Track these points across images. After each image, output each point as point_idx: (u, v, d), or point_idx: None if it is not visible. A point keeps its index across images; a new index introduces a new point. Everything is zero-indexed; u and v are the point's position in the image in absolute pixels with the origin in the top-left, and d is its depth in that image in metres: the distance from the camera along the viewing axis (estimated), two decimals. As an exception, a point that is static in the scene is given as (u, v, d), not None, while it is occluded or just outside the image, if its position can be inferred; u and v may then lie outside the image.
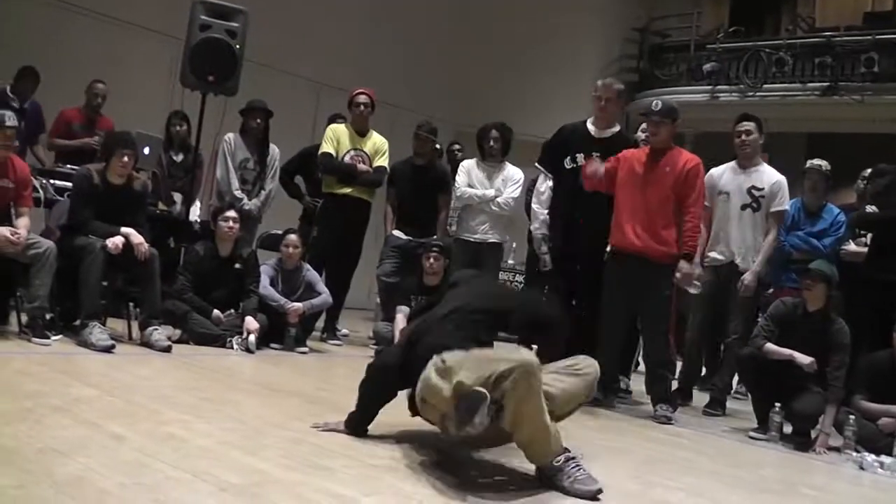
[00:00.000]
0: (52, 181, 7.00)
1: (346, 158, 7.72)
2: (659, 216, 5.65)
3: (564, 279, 6.27)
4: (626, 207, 5.77)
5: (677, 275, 5.65)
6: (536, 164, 6.61)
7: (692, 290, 6.14)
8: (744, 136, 6.41)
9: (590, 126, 6.34)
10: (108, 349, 5.55)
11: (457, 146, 9.38)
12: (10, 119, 5.75)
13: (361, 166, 7.70)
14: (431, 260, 7.10)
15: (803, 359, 5.30)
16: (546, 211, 6.41)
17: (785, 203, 6.37)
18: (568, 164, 6.28)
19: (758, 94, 13.64)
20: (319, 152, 7.80)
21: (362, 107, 7.80)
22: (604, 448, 4.48)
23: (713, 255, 6.41)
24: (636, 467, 4.12)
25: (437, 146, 8.41)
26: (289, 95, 10.24)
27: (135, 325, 6.23)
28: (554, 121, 6.82)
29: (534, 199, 6.56)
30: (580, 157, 6.21)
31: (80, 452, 3.12)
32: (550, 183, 6.41)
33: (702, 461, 4.55)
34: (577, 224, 6.17)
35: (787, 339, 5.46)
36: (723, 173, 6.49)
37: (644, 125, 6.45)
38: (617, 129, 6.36)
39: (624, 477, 3.82)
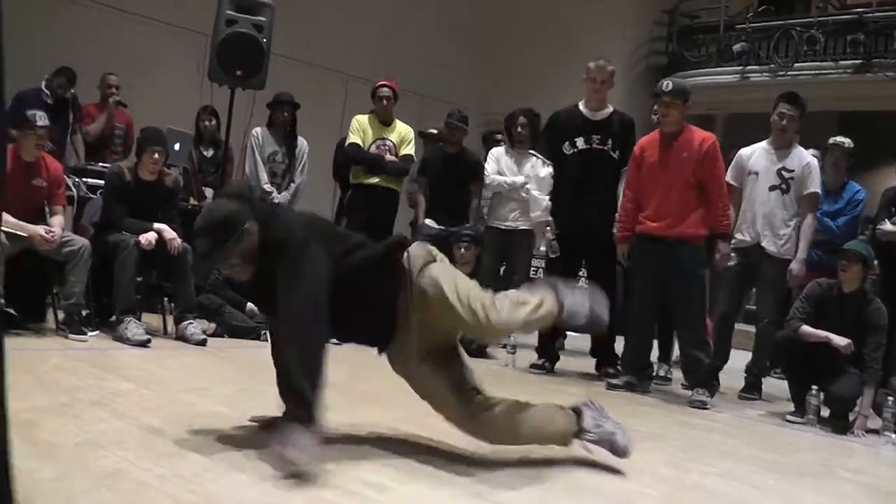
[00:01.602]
0: (84, 179, 7.06)
1: (373, 148, 7.73)
2: (683, 199, 5.62)
3: (571, 264, 6.32)
4: (648, 193, 5.74)
5: (716, 255, 5.61)
6: (531, 152, 6.65)
7: (730, 263, 6.05)
8: (785, 121, 6.25)
9: (583, 109, 6.39)
10: (143, 344, 5.59)
11: (498, 136, 9.33)
12: (42, 119, 5.80)
13: (388, 156, 7.70)
14: (463, 249, 7.09)
15: (840, 340, 5.24)
16: (548, 197, 6.46)
17: (816, 185, 6.23)
18: (567, 149, 6.33)
19: (789, 73, 13.48)
20: (346, 143, 7.82)
21: (385, 99, 7.80)
22: (640, 433, 4.45)
23: (739, 236, 6.30)
24: (672, 452, 4.10)
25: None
26: (316, 88, 10.26)
27: (170, 320, 6.28)
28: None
29: (533, 186, 6.60)
30: (580, 141, 6.27)
31: (117, 445, 3.15)
32: (550, 170, 6.47)
33: (738, 446, 4.52)
34: (580, 207, 6.20)
35: (822, 320, 5.41)
36: (753, 153, 6.36)
37: (657, 106, 6.42)
38: (611, 109, 6.44)
39: (660, 462, 3.81)
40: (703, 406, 5.44)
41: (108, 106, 7.85)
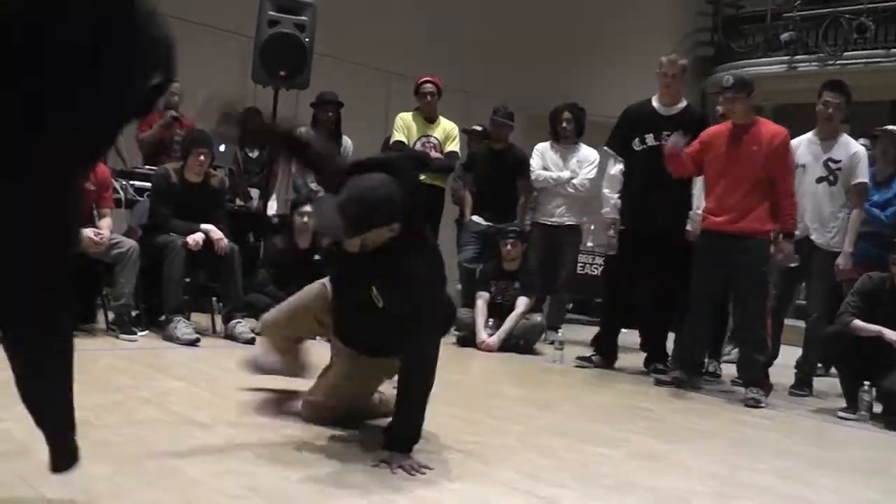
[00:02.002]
0: (131, 182, 7.13)
1: (417, 146, 7.72)
2: (749, 193, 5.49)
3: (633, 261, 6.23)
4: (716, 188, 5.64)
5: (779, 256, 5.52)
6: (605, 148, 6.56)
7: (793, 265, 5.93)
8: (831, 110, 6.13)
9: (655, 104, 6.24)
10: (192, 343, 5.64)
11: (478, 127, 9.22)
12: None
13: (433, 153, 7.70)
14: (509, 246, 7.08)
15: (892, 335, 5.15)
16: (616, 195, 6.34)
17: (864, 175, 6.07)
18: (637, 145, 6.20)
19: (838, 62, 13.29)
20: (391, 141, 7.83)
21: (428, 95, 7.80)
22: (691, 431, 4.43)
23: None
24: (724, 450, 4.05)
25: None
26: (360, 86, 10.27)
27: (218, 319, 6.33)
28: (627, 99, 6.71)
29: (604, 183, 6.50)
30: (649, 137, 6.13)
31: (169, 443, 3.18)
32: (620, 166, 6.34)
33: (789, 443, 4.46)
34: (649, 206, 6.09)
35: (874, 315, 5.32)
36: (799, 145, 6.23)
37: (721, 98, 6.32)
38: (684, 104, 6.25)
39: (711, 460, 3.77)
40: (757, 404, 5.36)
41: (164, 116, 7.92)
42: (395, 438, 3.18)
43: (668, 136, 5.93)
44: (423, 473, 3.00)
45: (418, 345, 3.24)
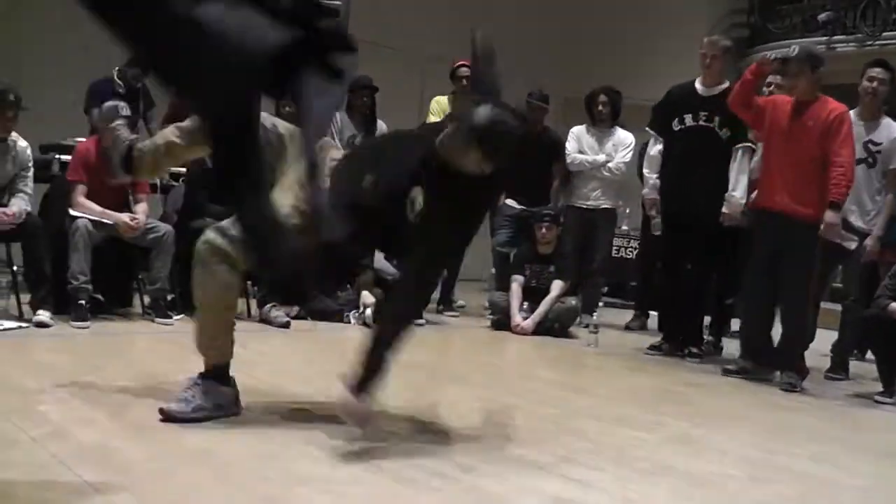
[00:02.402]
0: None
1: (452, 129, 7.70)
2: (804, 175, 5.35)
3: (677, 243, 6.16)
4: (771, 164, 5.52)
5: (821, 227, 5.38)
6: (647, 128, 6.50)
7: (845, 244, 5.80)
8: (876, 84, 5.99)
9: (697, 85, 6.18)
10: (228, 326, 5.67)
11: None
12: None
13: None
14: (544, 229, 7.06)
15: None
16: (656, 175, 6.29)
17: None
18: (676, 125, 6.14)
19: (877, 42, 13.07)
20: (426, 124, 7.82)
21: (464, 78, 7.77)
22: (726, 415, 4.40)
23: None
24: (758, 434, 4.02)
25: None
26: (395, 70, 10.24)
27: (253, 304, 6.36)
28: (663, 82, 6.66)
29: (644, 164, 6.45)
30: (688, 117, 6.07)
31: (206, 425, 3.21)
32: (660, 147, 6.29)
33: (825, 427, 4.42)
34: (686, 187, 6.03)
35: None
36: None
37: (769, 78, 6.22)
38: (726, 85, 6.14)
39: (747, 444, 3.74)
40: (792, 388, 5.30)
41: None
42: (360, 377, 3.06)
43: (706, 116, 5.90)
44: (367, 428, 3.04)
45: (422, 274, 3.21)
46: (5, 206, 5.51)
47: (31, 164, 5.75)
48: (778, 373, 5.47)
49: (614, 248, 9.07)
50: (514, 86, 9.06)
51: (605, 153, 7.60)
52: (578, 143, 7.71)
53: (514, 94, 8.53)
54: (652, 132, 6.38)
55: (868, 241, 5.88)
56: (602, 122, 7.69)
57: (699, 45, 6.27)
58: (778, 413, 4.62)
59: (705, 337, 6.44)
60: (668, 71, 7.72)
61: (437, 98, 7.90)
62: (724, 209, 5.94)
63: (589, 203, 7.62)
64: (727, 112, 5.82)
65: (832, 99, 5.53)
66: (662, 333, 6.46)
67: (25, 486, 2.41)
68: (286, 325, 5.94)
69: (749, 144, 6.02)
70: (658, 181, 6.27)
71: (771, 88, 6.16)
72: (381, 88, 7.82)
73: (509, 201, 7.83)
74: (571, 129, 7.89)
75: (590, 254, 7.80)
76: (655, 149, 6.32)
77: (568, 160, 7.67)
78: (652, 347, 6.32)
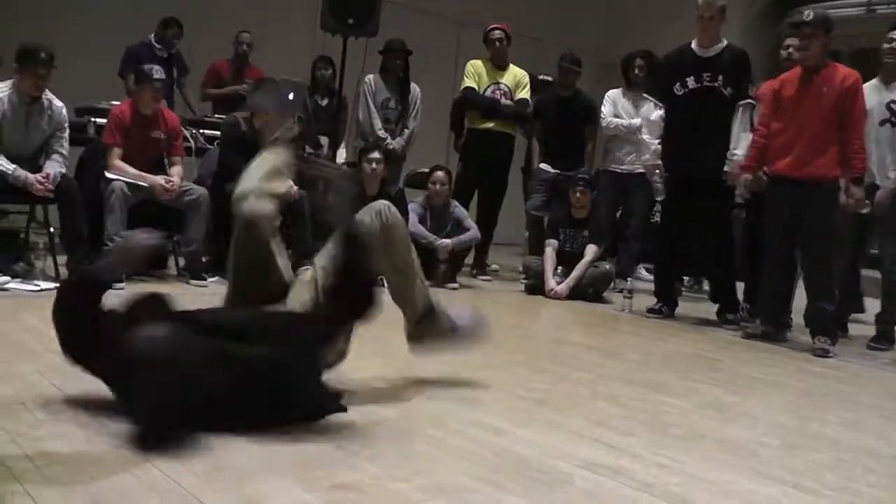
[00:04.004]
0: (201, 130, 7.19)
1: (487, 92, 7.68)
2: (819, 137, 5.34)
3: (684, 206, 6.14)
4: (783, 131, 5.51)
5: (850, 200, 5.35)
6: (645, 95, 6.50)
7: (864, 212, 5.75)
8: (895, 44, 5.95)
9: (694, 47, 6.13)
10: (262, 289, 5.70)
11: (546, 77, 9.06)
12: (158, 72, 5.94)
13: (503, 100, 7.65)
14: (578, 193, 7.03)
15: None
16: (657, 141, 6.29)
17: None
18: (678, 89, 6.10)
19: (921, 5, 12.86)
20: (462, 87, 7.79)
21: (497, 42, 7.74)
22: (759, 381, 4.37)
23: None
24: (793, 401, 4.00)
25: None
26: (429, 34, 10.19)
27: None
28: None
29: (643, 129, 6.45)
30: (690, 80, 6.03)
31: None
32: (660, 112, 6.29)
33: (862, 395, 4.37)
34: (693, 150, 5.99)
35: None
36: (865, 91, 6.05)
37: (789, 40, 6.16)
38: (724, 44, 6.10)
39: (780, 411, 3.72)
40: (825, 354, 5.26)
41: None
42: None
43: (709, 76, 5.90)
44: None
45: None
46: (40, 167, 5.55)
47: (66, 125, 5.77)
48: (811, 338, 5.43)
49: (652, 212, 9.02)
50: (548, 49, 9.07)
51: (640, 117, 7.56)
52: (614, 106, 7.67)
53: (548, 57, 8.53)
54: (651, 98, 6.37)
55: (878, 194, 5.79)
56: (638, 85, 7.63)
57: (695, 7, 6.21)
58: (812, 379, 4.58)
59: (741, 304, 6.39)
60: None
61: (472, 61, 7.87)
62: (726, 168, 5.91)
63: (623, 167, 7.59)
64: (729, 70, 5.90)
65: (841, 65, 5.53)
66: (657, 296, 6.45)
67: (62, 443, 2.43)
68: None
69: (750, 101, 6.02)
70: (660, 147, 6.26)
71: (790, 51, 6.10)
72: (414, 51, 7.79)
73: (543, 165, 7.82)
74: (607, 93, 7.85)
75: (624, 218, 7.78)
76: (655, 114, 6.33)
77: (603, 124, 7.65)
78: (650, 311, 6.32)
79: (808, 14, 5.47)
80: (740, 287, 6.32)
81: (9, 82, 5.51)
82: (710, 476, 2.63)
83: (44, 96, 5.59)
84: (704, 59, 6.04)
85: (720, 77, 5.96)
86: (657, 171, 6.33)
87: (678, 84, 6.09)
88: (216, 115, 7.67)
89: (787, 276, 5.66)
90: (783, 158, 5.44)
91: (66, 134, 5.77)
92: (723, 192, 6.07)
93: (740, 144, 5.95)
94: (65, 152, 5.73)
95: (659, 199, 6.44)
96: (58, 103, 5.70)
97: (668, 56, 6.36)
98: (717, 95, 6.00)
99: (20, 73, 5.45)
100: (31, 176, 5.36)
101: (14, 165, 5.37)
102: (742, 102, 6.00)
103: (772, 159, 5.54)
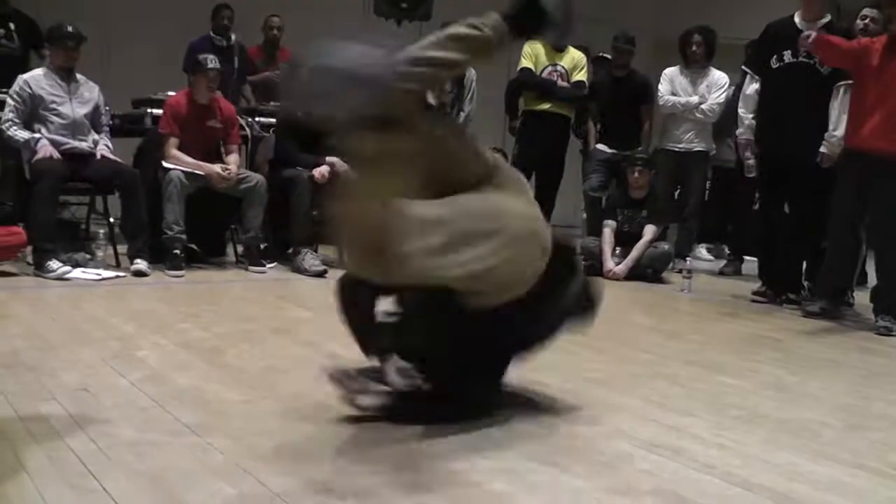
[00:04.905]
0: (257, 119, 7.24)
1: (544, 74, 7.62)
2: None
3: (774, 184, 6.00)
4: (863, 103, 5.33)
5: None
6: (743, 66, 6.32)
7: None
8: None
9: (797, 19, 5.95)
10: (320, 274, 5.75)
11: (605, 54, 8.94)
12: (213, 62, 5.98)
13: (560, 82, 7.59)
14: (636, 173, 6.96)
15: None
16: (752, 115, 6.11)
17: None
18: (774, 62, 5.93)
19: None
20: (518, 68, 7.74)
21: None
22: (821, 361, 4.29)
23: None
24: (856, 381, 3.91)
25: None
26: (481, 13, 10.13)
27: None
28: (759, 20, 6.43)
29: (740, 103, 6.25)
30: (787, 54, 5.85)
31: (300, 369, 3.26)
32: (757, 86, 6.09)
33: (926, 373, 4.29)
34: (785, 126, 5.84)
35: None
36: None
37: (866, 10, 5.99)
38: (827, 19, 5.90)
39: (842, 391, 3.65)
40: (889, 332, 5.15)
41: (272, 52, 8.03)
42: None
43: (806, 53, 5.67)
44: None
45: None
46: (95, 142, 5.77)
47: (101, 104, 5.92)
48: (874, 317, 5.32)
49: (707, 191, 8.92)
50: (604, 29, 8.98)
51: (698, 94, 7.46)
52: (671, 84, 7.57)
53: (604, 37, 8.45)
54: (749, 70, 6.18)
55: None
56: (696, 62, 7.52)
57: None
58: (875, 358, 4.49)
59: (805, 283, 6.28)
60: (764, 8, 7.46)
61: (530, 42, 7.78)
62: (823, 149, 5.74)
63: (681, 146, 7.49)
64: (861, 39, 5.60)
65: None
66: (762, 280, 6.30)
67: (125, 427, 2.47)
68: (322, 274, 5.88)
69: (850, 82, 5.80)
70: (753, 121, 6.10)
71: (866, 21, 5.92)
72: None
73: (600, 145, 7.77)
74: (664, 71, 7.74)
75: (683, 197, 7.69)
76: (752, 87, 6.11)
77: (661, 102, 7.56)
78: (756, 294, 6.20)
79: None
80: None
81: (41, 69, 5.76)
82: (772, 457, 2.60)
83: (77, 74, 5.78)
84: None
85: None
86: (749, 146, 6.15)
87: (775, 57, 5.92)
88: (271, 103, 7.70)
89: (851, 254, 5.55)
90: (860, 131, 5.29)
91: (104, 111, 5.97)
92: (813, 172, 5.77)
93: (839, 126, 5.66)
94: (106, 128, 5.98)
95: (750, 175, 6.24)
96: (91, 83, 5.87)
97: (770, 27, 6.10)
98: (812, 72, 5.78)
99: (52, 50, 5.72)
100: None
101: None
102: (843, 83, 5.71)
103: (847, 135, 5.40)
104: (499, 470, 2.32)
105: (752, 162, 6.12)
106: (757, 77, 6.05)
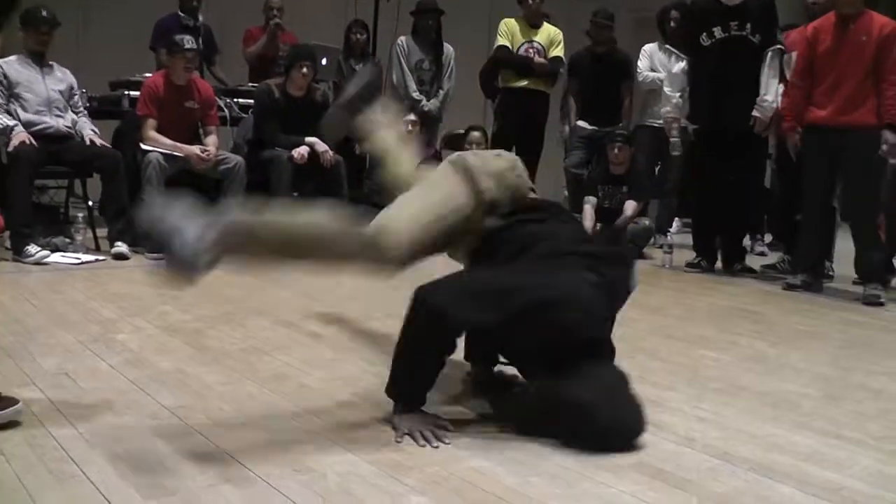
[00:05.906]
0: (236, 99, 7.19)
1: (521, 51, 7.60)
2: (857, 86, 5.24)
3: (720, 157, 6.04)
4: (820, 80, 5.41)
5: (883, 146, 5.26)
6: (667, 46, 6.39)
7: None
8: None
9: None
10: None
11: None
12: (189, 42, 5.95)
13: (537, 58, 7.57)
14: (616, 150, 6.96)
15: None
16: (678, 94, 6.18)
17: None
18: (705, 40, 5.97)
19: None
20: (495, 46, 7.72)
21: (531, 0, 7.64)
22: (801, 333, 4.32)
23: None
24: (833, 352, 3.95)
25: None
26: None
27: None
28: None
29: (665, 82, 6.34)
30: (717, 30, 5.90)
31: (280, 350, 3.26)
32: (683, 64, 6.17)
33: (905, 344, 4.32)
34: (723, 101, 5.89)
35: None
36: None
37: None
38: None
39: (822, 362, 3.67)
40: (877, 300, 5.19)
41: (268, 29, 7.94)
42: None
43: (737, 25, 5.79)
44: (436, 446, 2.35)
45: None
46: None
47: (74, 85, 5.86)
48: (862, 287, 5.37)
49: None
50: (582, 5, 8.96)
51: (678, 71, 7.46)
52: (650, 60, 7.57)
53: (582, 13, 8.43)
54: (674, 50, 6.25)
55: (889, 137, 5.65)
56: (674, 38, 7.53)
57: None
58: (855, 330, 4.52)
59: (783, 255, 6.32)
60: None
61: (506, 20, 7.76)
62: (755, 113, 5.81)
63: (661, 122, 7.50)
64: (756, 17, 5.78)
65: (876, 13, 5.38)
66: (696, 251, 6.39)
67: (105, 411, 2.47)
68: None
69: (779, 47, 5.89)
70: (680, 100, 6.16)
71: (812, 2, 6.00)
72: (447, 11, 7.72)
73: (581, 122, 7.76)
74: (643, 47, 7.74)
75: (663, 174, 7.70)
76: (678, 66, 6.20)
77: (640, 78, 7.55)
78: (689, 265, 6.27)
79: None
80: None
81: (14, 55, 5.68)
82: (752, 429, 2.62)
83: (47, 60, 5.73)
84: (731, 8, 5.89)
85: (748, 25, 5.83)
86: (675, 125, 6.23)
87: (704, 35, 5.97)
88: (250, 84, 7.65)
89: (826, 227, 5.61)
90: (822, 109, 5.35)
91: (78, 95, 5.91)
92: (755, 143, 5.97)
93: (770, 90, 5.84)
94: (83, 112, 5.91)
95: (675, 153, 6.33)
96: (64, 69, 5.83)
97: (693, 6, 6.23)
98: (746, 43, 5.88)
99: (25, 33, 5.59)
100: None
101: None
102: (771, 48, 5.87)
103: (809, 110, 5.45)
104: (478, 447, 2.33)
105: (676, 140, 6.20)
106: (682, 56, 6.12)
